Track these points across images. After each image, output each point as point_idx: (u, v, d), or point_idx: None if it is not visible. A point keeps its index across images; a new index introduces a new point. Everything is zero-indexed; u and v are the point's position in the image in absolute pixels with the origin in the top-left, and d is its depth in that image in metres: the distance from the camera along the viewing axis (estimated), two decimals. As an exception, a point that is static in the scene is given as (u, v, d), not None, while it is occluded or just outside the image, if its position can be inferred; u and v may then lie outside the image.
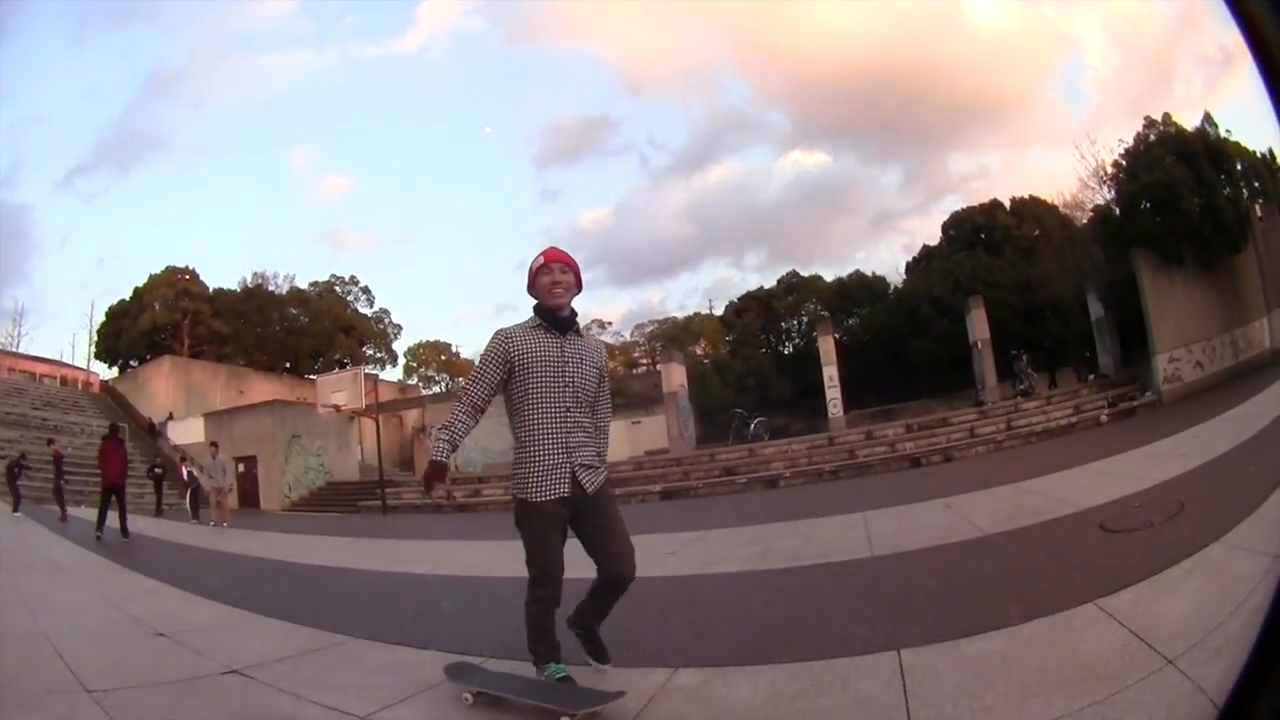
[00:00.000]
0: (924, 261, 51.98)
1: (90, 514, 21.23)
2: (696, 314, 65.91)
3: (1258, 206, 31.02)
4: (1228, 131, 32.26)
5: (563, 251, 5.26)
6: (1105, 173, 32.59)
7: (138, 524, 21.02)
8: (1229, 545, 6.64)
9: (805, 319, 55.22)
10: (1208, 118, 32.32)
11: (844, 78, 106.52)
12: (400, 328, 73.51)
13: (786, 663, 5.36)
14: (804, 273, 59.32)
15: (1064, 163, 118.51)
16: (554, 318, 5.17)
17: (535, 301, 5.26)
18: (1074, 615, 5.51)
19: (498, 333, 5.19)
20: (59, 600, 10.40)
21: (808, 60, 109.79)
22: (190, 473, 30.16)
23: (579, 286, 5.32)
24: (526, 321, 5.23)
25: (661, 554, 10.82)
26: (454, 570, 12.04)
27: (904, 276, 53.65)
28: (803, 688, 4.89)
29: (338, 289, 68.70)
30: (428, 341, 79.89)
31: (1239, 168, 31.70)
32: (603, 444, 5.40)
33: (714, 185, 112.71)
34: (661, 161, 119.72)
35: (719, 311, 62.10)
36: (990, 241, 48.49)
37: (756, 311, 56.50)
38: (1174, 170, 28.06)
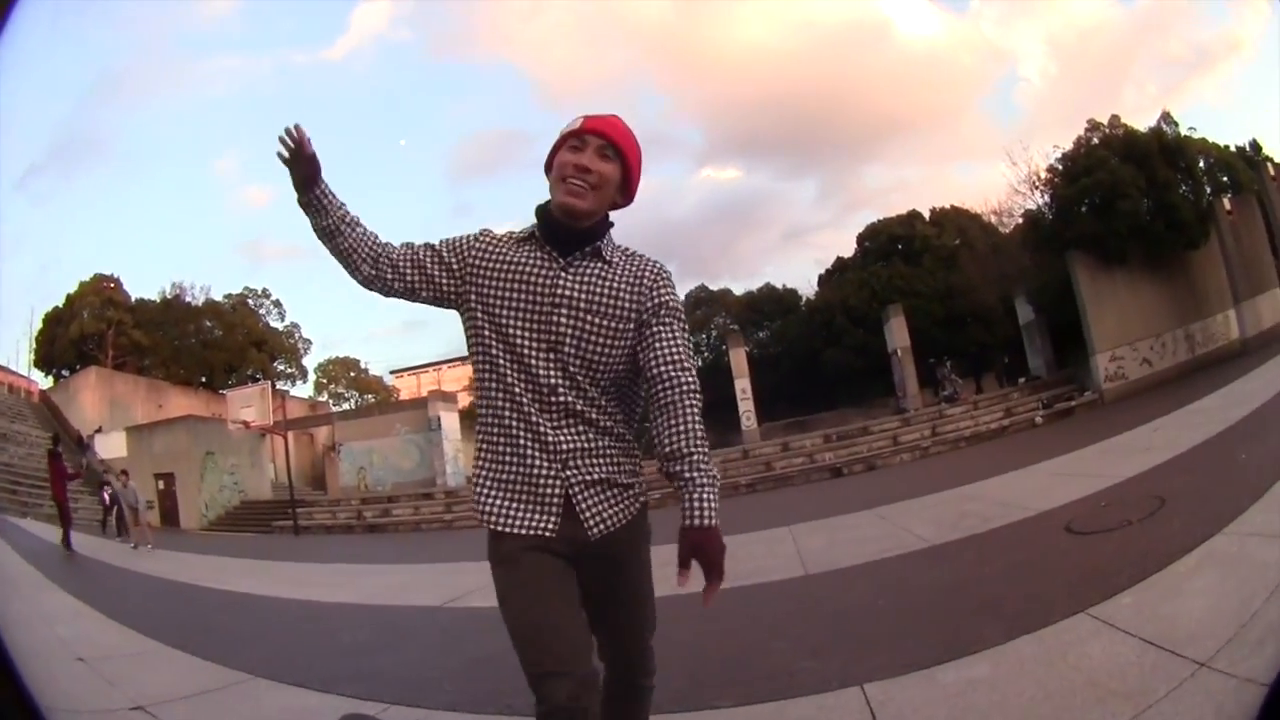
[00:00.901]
0: (837, 273, 51.86)
1: (30, 525, 24.11)
2: (602, 331, 66.13)
3: (1226, 200, 31.50)
4: (1191, 129, 33.17)
5: (616, 121, 3.13)
6: (1038, 178, 32.83)
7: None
8: (1237, 535, 6.21)
9: (715, 332, 55.24)
10: (1165, 116, 32.90)
11: (763, 94, 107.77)
12: (310, 343, 72.37)
13: (732, 706, 4.81)
14: (713, 287, 59.25)
15: (990, 174, 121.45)
16: (555, 226, 3.01)
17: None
18: (1065, 629, 5.01)
19: (482, 230, 3.20)
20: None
21: (727, 76, 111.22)
22: (112, 492, 29.50)
23: (627, 195, 3.16)
24: (525, 228, 3.12)
25: None
26: (359, 598, 11.42)
27: (816, 289, 53.60)
28: (758, 736, 4.25)
29: (250, 301, 67.82)
30: (338, 358, 79.27)
31: (1202, 164, 32.47)
32: (682, 434, 2.89)
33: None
34: None
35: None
36: (908, 251, 48.74)
37: (665, 327, 56.44)
38: (1120, 171, 28.28)
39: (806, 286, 54.51)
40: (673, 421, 2.88)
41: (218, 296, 67.27)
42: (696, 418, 2.93)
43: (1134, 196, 27.79)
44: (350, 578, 14.38)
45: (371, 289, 3.11)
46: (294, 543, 26.99)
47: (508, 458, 2.93)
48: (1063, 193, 29.89)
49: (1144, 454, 12.00)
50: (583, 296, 2.93)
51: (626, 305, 2.96)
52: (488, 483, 2.97)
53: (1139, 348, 28.31)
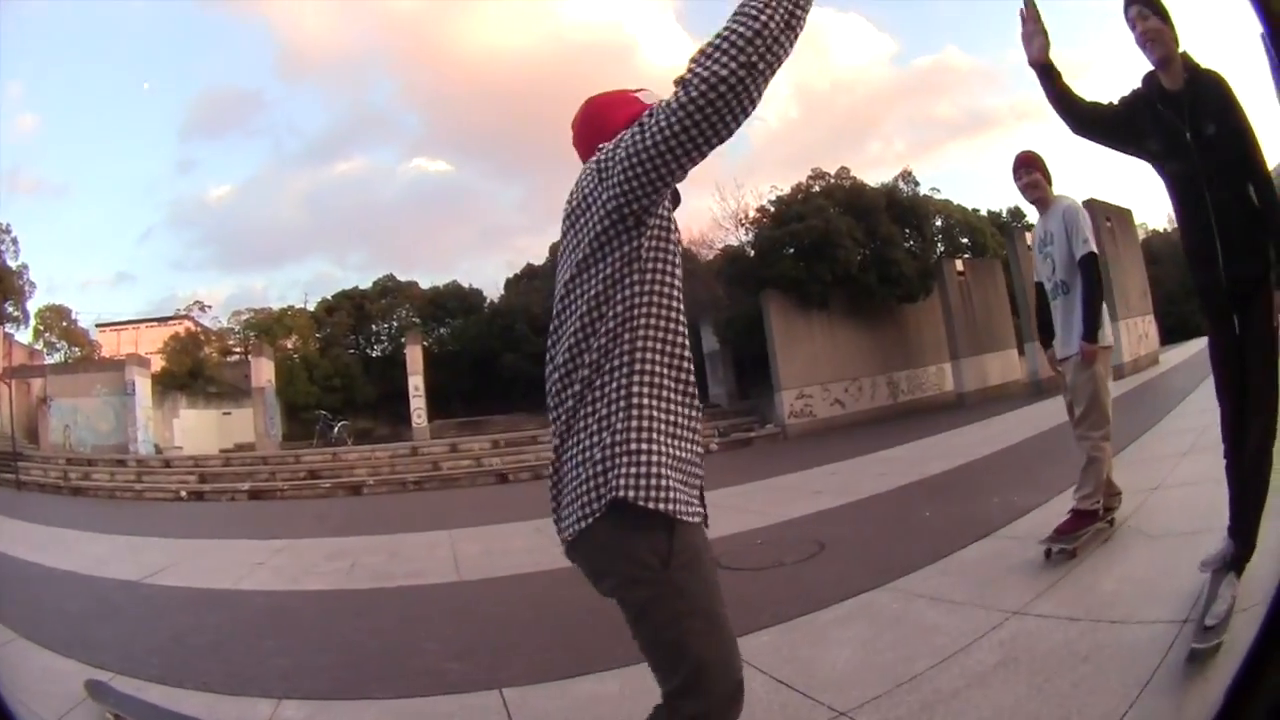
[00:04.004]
0: (526, 279, 52.01)
1: None
2: (291, 307, 64.60)
3: (960, 261, 33.66)
4: (934, 189, 36.49)
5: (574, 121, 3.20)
6: (745, 216, 33.62)
7: None
8: (903, 592, 6.39)
9: (396, 324, 54.96)
10: (905, 175, 35.47)
11: (490, 91, 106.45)
12: (35, 285, 68.61)
13: (388, 699, 5.24)
14: (402, 277, 58.40)
15: (699, 204, 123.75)
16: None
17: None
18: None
19: None
20: None
21: (461, 69, 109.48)
22: None
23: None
24: None
25: (250, 564, 10.86)
26: (75, 566, 11.36)
27: (502, 292, 53.86)
28: (407, 728, 4.70)
29: (-7, 236, 63.99)
30: (53, 305, 75.23)
31: (939, 224, 35.90)
32: None
33: (336, 179, 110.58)
34: (294, 147, 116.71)
35: (312, 307, 61.20)
36: (599, 269, 49.16)
37: (348, 310, 55.32)
38: (837, 221, 29.52)
39: (493, 289, 54.57)
40: None
41: (-28, 228, 64.15)
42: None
43: (848, 247, 29.00)
44: (67, 544, 14.11)
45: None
46: (16, 498, 25.29)
47: (684, 433, 2.60)
48: (768, 234, 30.81)
49: (814, 496, 12.33)
50: None
51: None
52: (668, 460, 2.50)
53: (831, 389, 29.51)
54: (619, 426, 2.45)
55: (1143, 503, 7.45)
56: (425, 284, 56.95)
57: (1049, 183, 7.04)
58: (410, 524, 14.58)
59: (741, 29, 2.25)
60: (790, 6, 2.30)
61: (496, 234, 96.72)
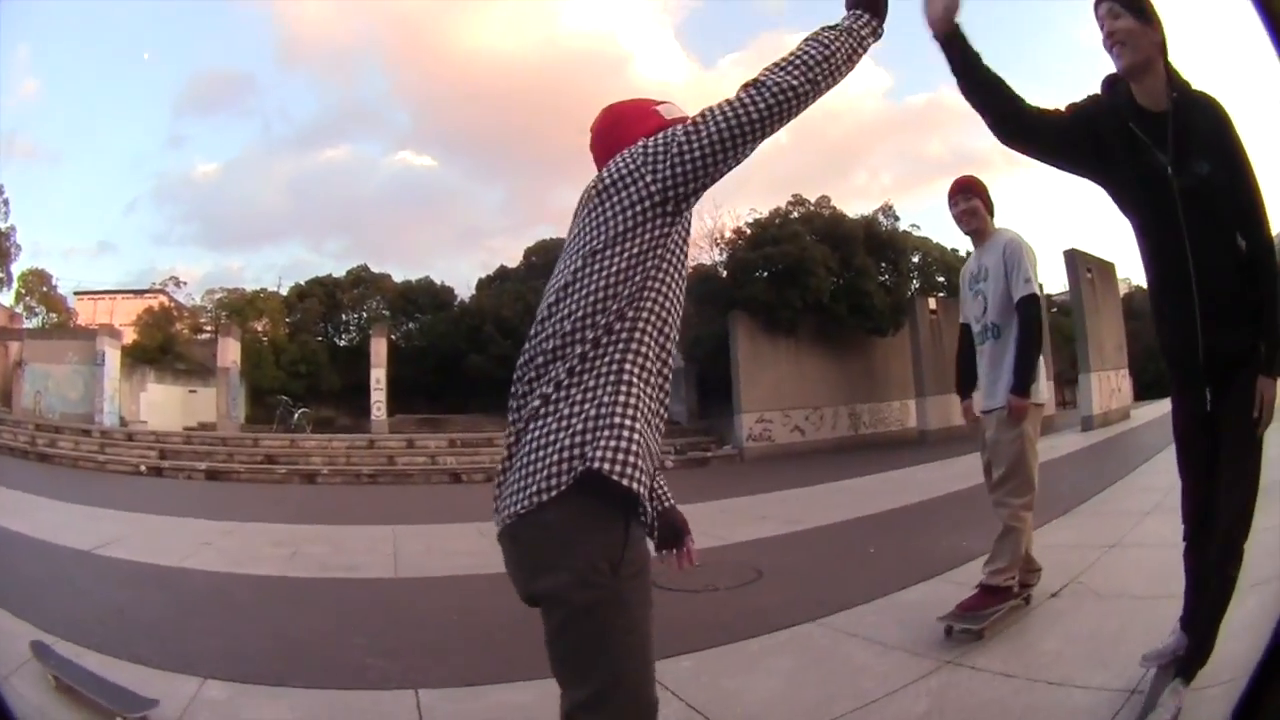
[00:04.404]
0: (498, 281, 51.72)
1: None
2: (264, 289, 63.92)
3: (933, 299, 33.27)
4: (914, 225, 36.41)
5: (594, 125, 3.10)
6: (721, 236, 33.72)
7: None
8: (836, 629, 6.22)
9: (366, 315, 54.60)
10: (886, 209, 35.91)
11: (481, 92, 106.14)
12: (20, 249, 67.84)
13: (307, 688, 5.29)
14: (376, 268, 58.03)
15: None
16: None
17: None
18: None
19: None
20: None
21: (454, 68, 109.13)
22: None
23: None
24: None
25: (197, 544, 10.93)
26: (31, 531, 11.44)
27: (473, 292, 53.60)
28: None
29: (-16, 197, 63.17)
30: (35, 269, 74.31)
31: (916, 260, 35.73)
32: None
33: (320, 166, 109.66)
34: (283, 131, 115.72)
35: (285, 291, 60.55)
36: (571, 274, 48.63)
37: (320, 298, 54.78)
38: (813, 249, 29.60)
39: (465, 288, 54.37)
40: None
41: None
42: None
43: (821, 275, 28.98)
44: (28, 508, 14.17)
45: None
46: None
47: (656, 420, 2.57)
48: (742, 255, 30.89)
49: (759, 522, 12.20)
50: None
51: None
52: (643, 444, 2.42)
53: (792, 415, 29.46)
54: (605, 400, 2.42)
55: (1097, 560, 7.28)
56: (398, 277, 56.40)
57: (990, 213, 6.40)
58: (358, 516, 14.72)
59: (814, 52, 2.60)
60: (854, 44, 2.72)
61: (473, 234, 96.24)
